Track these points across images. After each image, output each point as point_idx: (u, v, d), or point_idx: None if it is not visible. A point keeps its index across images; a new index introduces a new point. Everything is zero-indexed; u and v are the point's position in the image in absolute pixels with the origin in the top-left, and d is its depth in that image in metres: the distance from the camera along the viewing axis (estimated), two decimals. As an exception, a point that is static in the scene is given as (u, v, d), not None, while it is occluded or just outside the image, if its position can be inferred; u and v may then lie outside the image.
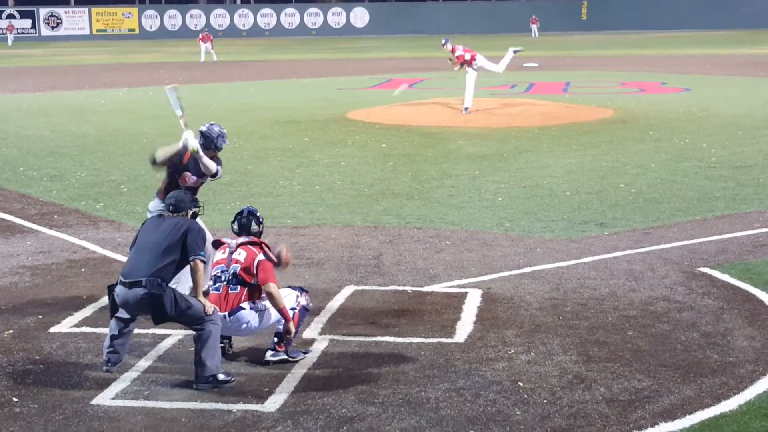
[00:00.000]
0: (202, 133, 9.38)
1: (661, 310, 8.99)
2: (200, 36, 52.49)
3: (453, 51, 23.70)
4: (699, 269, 10.31)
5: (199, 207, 8.11)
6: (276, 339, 7.81)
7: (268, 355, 7.80)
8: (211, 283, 7.91)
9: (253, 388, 7.29)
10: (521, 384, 7.29)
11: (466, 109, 23.79)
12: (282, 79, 38.86)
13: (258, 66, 47.01)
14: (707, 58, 46.69)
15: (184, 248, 7.48)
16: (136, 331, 8.01)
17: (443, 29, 70.85)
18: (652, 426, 6.56)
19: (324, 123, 23.73)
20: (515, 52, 24.37)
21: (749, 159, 17.44)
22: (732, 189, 14.72)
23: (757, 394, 7.05)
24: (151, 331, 8.44)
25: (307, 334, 8.42)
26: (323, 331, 8.54)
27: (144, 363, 7.82)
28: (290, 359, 7.79)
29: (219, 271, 7.85)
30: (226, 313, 7.71)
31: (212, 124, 9.47)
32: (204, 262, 7.57)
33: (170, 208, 7.83)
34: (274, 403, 7.02)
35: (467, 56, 23.55)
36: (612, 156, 18.00)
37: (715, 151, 18.38)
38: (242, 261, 7.76)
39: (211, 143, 9.35)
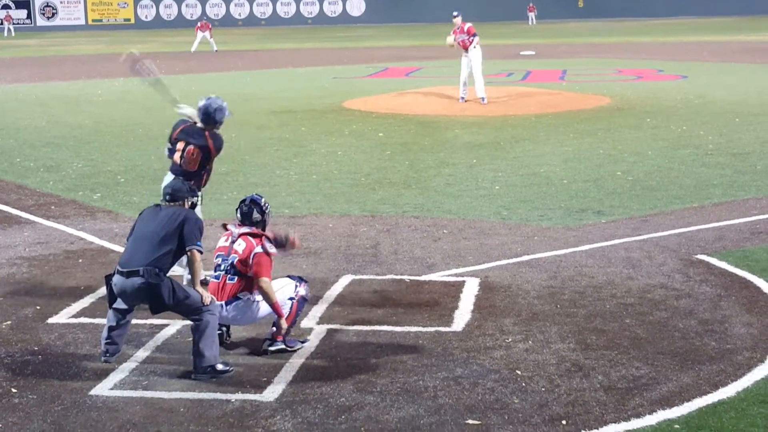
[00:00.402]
0: (200, 108, 9.43)
1: (658, 298, 9.00)
2: (199, 24, 52.09)
3: (463, 24, 23.60)
4: (696, 256, 10.32)
5: (197, 197, 8.10)
6: (274, 329, 7.81)
7: (266, 345, 7.81)
8: (211, 271, 7.92)
9: (251, 378, 7.29)
10: (519, 372, 7.30)
11: (483, 98, 23.68)
12: (278, 68, 38.79)
13: (254, 55, 46.93)
14: (704, 45, 46.65)
15: (181, 238, 7.47)
16: (134, 321, 8.01)
17: (440, 17, 70.70)
18: (650, 413, 6.57)
19: (320, 112, 23.70)
20: (483, 98, 23.92)
21: (746, 146, 17.44)
22: (729, 176, 14.72)
23: (754, 381, 7.07)
24: (149, 321, 8.44)
25: (305, 323, 8.42)
26: (321, 321, 8.54)
27: (142, 353, 7.82)
28: (288, 349, 7.79)
29: (219, 259, 7.85)
30: (223, 302, 7.71)
31: (209, 98, 9.51)
32: (201, 252, 7.57)
33: (167, 197, 7.82)
34: (272, 392, 7.03)
35: (471, 36, 23.39)
36: (609, 144, 18.00)
37: (712, 138, 18.37)
38: (240, 252, 7.75)
39: (210, 118, 9.41)
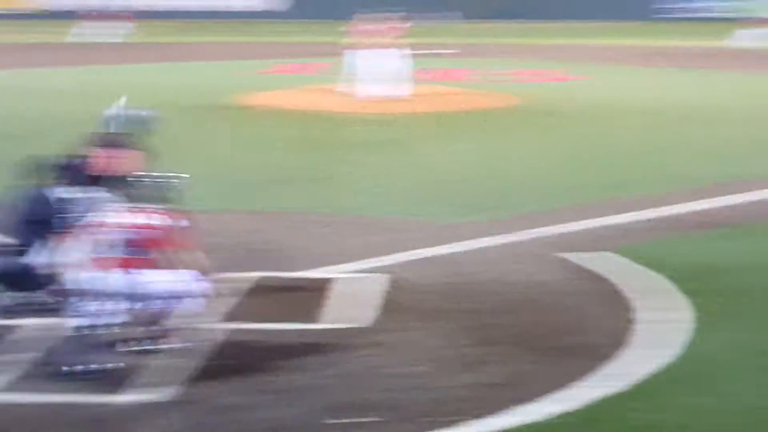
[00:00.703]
0: (117, 118, 9.21)
1: (531, 296, 9.23)
2: (116, 14, 50.48)
3: (388, 22, 23.75)
4: (578, 254, 10.51)
5: (60, 173, 7.86)
6: (150, 326, 7.53)
7: (141, 344, 7.51)
8: (94, 247, 7.54)
9: (139, 378, 7.13)
10: (418, 369, 7.42)
11: (398, 95, 23.86)
12: (172, 62, 37.89)
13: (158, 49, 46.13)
14: (610, 48, 47.47)
15: (47, 219, 7.26)
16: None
17: (345, 15, 70.54)
18: (534, 407, 6.75)
19: (221, 108, 23.34)
20: (398, 95, 24.18)
21: (638, 147, 18.01)
22: (615, 176, 15.15)
23: (623, 374, 7.31)
24: (6, 322, 8.05)
25: (205, 322, 8.15)
26: (223, 320, 8.44)
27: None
28: (167, 347, 7.51)
29: (105, 236, 7.46)
30: (107, 276, 7.31)
31: (128, 109, 9.34)
32: (71, 234, 7.34)
33: (25, 175, 7.57)
34: (162, 393, 6.90)
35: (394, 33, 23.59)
36: (513, 143, 18.36)
37: (609, 139, 18.91)
38: (132, 226, 7.44)
39: (134, 128, 9.15)
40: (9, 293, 7.69)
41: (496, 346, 7.96)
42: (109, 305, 7.39)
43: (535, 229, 11.64)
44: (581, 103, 24.59)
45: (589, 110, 23.18)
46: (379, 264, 10.26)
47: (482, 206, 13.02)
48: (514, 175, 15.19)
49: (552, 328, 8.42)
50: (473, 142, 18.43)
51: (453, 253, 10.71)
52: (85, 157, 9.07)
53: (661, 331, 8.20)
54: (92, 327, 7.44)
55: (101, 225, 7.58)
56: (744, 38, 47.24)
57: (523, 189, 14.18)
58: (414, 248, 10.88)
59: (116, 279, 7.38)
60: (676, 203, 13.01)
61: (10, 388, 7.01)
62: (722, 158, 16.84)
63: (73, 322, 7.19)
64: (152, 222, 7.58)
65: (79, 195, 8.37)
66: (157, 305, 7.54)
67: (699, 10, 75.67)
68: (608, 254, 10.58)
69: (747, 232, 11.75)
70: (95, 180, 8.84)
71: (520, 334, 8.27)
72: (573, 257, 10.45)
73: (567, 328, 8.41)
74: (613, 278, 9.71)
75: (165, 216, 7.66)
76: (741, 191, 13.76)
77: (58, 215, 7.41)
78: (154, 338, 7.61)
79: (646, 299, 9.01)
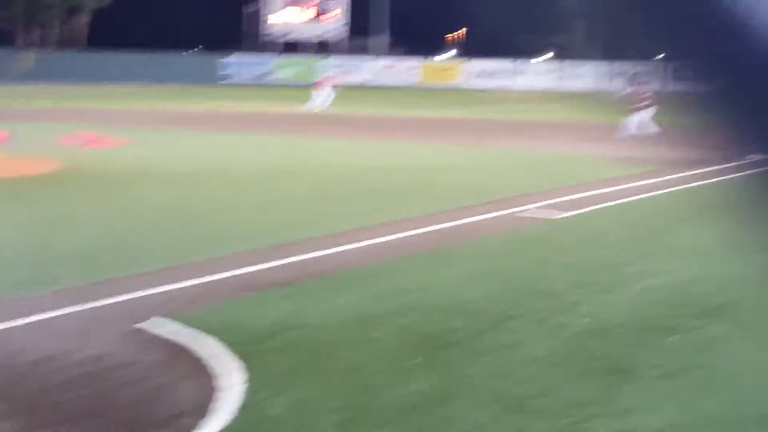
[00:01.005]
0: None
1: (104, 369, 8.99)
2: None
3: None
4: (140, 325, 10.42)
5: None
6: None
7: None
8: None
9: None
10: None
11: None
12: None
13: None
14: (149, 112, 47.82)
15: None
16: None
17: None
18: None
19: None
20: None
21: (199, 208, 18.25)
22: (173, 241, 15.21)
23: None
24: None
25: None
26: None
27: None
28: None
29: None
30: None
31: None
32: None
33: None
34: None
35: None
36: (55, 211, 17.73)
37: (165, 202, 18.94)
38: None
39: None
40: None
41: (61, 426, 7.57)
42: None
43: (95, 301, 11.28)
44: (137, 167, 24.53)
45: (146, 174, 23.18)
46: None
47: (33, 279, 12.38)
48: (64, 245, 14.63)
49: (116, 402, 8.18)
50: (12, 211, 17.49)
51: (5, 331, 10.03)
52: None
53: (218, 399, 8.22)
54: None
55: None
56: (314, 100, 51.71)
57: (76, 258, 13.71)
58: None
59: None
60: (237, 266, 13.22)
61: None
62: (281, 218, 17.40)
63: None
64: None
65: None
66: None
67: (262, 76, 79.82)
68: (161, 320, 10.56)
69: (302, 290, 12.16)
70: None
71: (76, 412, 7.93)
72: (126, 326, 10.30)
73: (133, 400, 8.23)
74: (179, 343, 9.71)
75: None
76: (300, 252, 14.24)
77: None
78: None
79: (203, 364, 9.10)
